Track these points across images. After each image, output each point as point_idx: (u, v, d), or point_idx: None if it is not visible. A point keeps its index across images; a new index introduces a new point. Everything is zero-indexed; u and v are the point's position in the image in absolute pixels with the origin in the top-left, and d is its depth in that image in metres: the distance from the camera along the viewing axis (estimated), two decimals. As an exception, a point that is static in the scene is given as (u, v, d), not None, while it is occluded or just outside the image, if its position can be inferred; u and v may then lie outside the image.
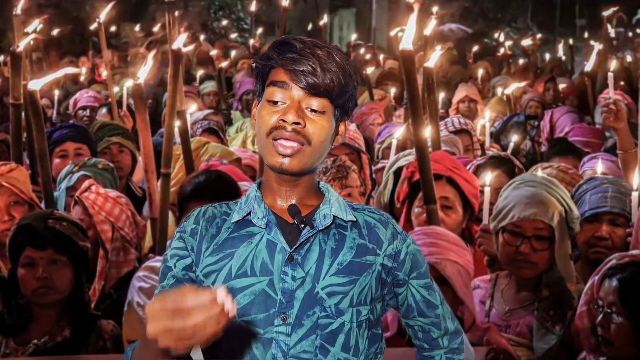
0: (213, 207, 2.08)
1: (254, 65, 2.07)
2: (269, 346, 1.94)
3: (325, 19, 13.17)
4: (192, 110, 6.61)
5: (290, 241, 1.98)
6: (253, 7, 12.76)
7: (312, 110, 1.97)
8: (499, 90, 8.98)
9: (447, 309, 2.16)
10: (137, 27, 13.10)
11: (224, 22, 19.45)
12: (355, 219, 2.03)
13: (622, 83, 8.96)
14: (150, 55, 4.06)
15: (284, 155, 1.95)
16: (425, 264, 2.12)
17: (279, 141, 1.96)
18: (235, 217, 2.02)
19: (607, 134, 6.33)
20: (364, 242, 2.02)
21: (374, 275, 2.01)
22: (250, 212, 2.02)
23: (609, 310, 2.75)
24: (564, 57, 13.38)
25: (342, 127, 2.07)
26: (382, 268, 2.03)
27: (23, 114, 4.59)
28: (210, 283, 1.99)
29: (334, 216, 2.01)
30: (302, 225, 1.98)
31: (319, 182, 2.11)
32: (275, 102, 1.97)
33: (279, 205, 2.03)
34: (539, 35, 16.47)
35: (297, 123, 1.94)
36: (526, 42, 14.02)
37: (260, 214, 2.00)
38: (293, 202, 2.02)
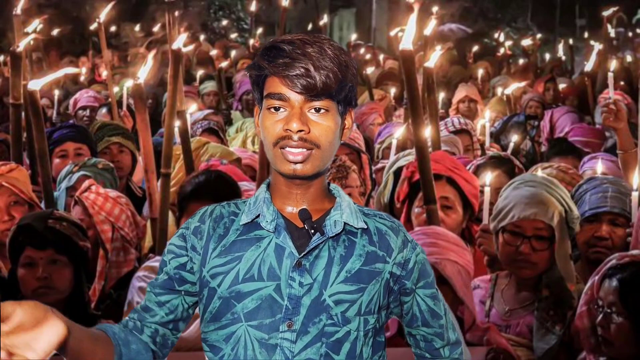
0: (221, 207, 2.05)
1: (247, 74, 2.04)
2: (273, 352, 1.91)
3: (325, 19, 13.16)
4: (192, 110, 6.61)
5: (299, 246, 1.95)
6: (253, 7, 12.76)
7: (315, 111, 1.93)
8: (499, 90, 8.98)
9: (450, 319, 2.14)
10: (137, 27, 13.09)
11: (224, 22, 19.44)
12: (366, 226, 2.00)
13: (622, 83, 8.95)
14: (150, 55, 4.06)
15: (296, 162, 1.92)
16: (432, 273, 2.09)
17: (287, 149, 1.92)
18: (244, 219, 1.99)
19: (607, 134, 6.33)
20: (374, 249, 1.99)
21: (382, 283, 1.98)
22: (259, 215, 1.99)
23: (609, 310, 2.75)
24: (564, 57, 13.37)
25: (348, 120, 2.03)
26: (391, 276, 2.00)
27: (23, 114, 4.59)
28: (216, 285, 1.96)
29: (345, 223, 1.98)
30: (313, 232, 1.95)
31: (329, 183, 2.07)
32: (277, 109, 1.93)
33: (288, 209, 2.00)
34: (539, 35, 16.46)
35: (302, 130, 1.91)
36: (526, 42, 14.02)
37: (269, 218, 1.97)
38: (304, 206, 1.99)
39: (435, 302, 2.08)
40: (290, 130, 1.91)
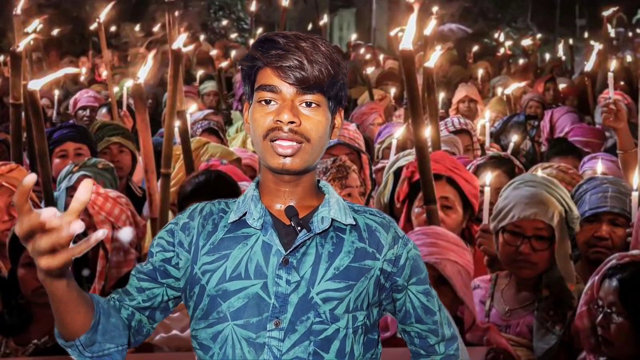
0: (211, 204, 2.04)
1: (239, 67, 2.03)
2: (261, 351, 1.90)
3: (325, 19, 13.17)
4: (192, 110, 6.61)
5: (286, 244, 1.94)
6: (253, 7, 12.73)
7: (307, 105, 1.92)
8: (499, 90, 8.98)
9: (445, 315, 2.11)
10: (137, 27, 13.09)
11: (224, 22, 19.45)
12: (355, 222, 1.99)
13: (622, 83, 8.96)
14: (150, 55, 4.06)
15: (285, 156, 1.91)
16: (425, 270, 2.07)
17: (277, 142, 1.91)
18: (232, 217, 1.98)
19: (607, 134, 6.33)
20: (364, 245, 1.97)
21: (372, 280, 1.96)
22: (246, 213, 1.97)
23: (609, 310, 2.75)
24: (564, 57, 13.38)
25: (338, 119, 2.02)
26: (381, 273, 1.98)
27: (23, 114, 4.59)
28: (205, 282, 1.95)
29: (332, 219, 1.96)
30: (299, 228, 1.93)
31: (319, 181, 2.06)
32: (268, 102, 1.92)
33: (277, 206, 1.98)
34: (539, 35, 16.48)
35: (293, 122, 1.90)
36: (526, 42, 14.04)
37: (256, 215, 1.96)
38: (292, 203, 1.97)
39: (428, 299, 2.06)
40: (281, 122, 1.90)
